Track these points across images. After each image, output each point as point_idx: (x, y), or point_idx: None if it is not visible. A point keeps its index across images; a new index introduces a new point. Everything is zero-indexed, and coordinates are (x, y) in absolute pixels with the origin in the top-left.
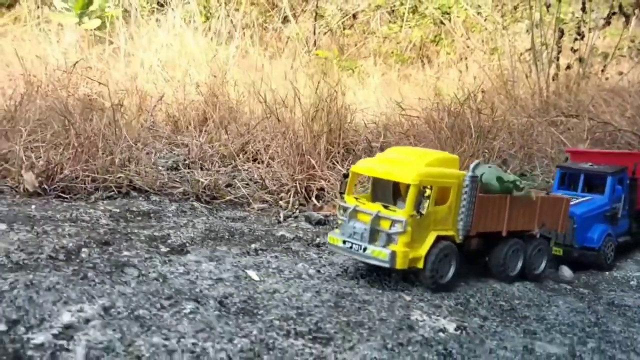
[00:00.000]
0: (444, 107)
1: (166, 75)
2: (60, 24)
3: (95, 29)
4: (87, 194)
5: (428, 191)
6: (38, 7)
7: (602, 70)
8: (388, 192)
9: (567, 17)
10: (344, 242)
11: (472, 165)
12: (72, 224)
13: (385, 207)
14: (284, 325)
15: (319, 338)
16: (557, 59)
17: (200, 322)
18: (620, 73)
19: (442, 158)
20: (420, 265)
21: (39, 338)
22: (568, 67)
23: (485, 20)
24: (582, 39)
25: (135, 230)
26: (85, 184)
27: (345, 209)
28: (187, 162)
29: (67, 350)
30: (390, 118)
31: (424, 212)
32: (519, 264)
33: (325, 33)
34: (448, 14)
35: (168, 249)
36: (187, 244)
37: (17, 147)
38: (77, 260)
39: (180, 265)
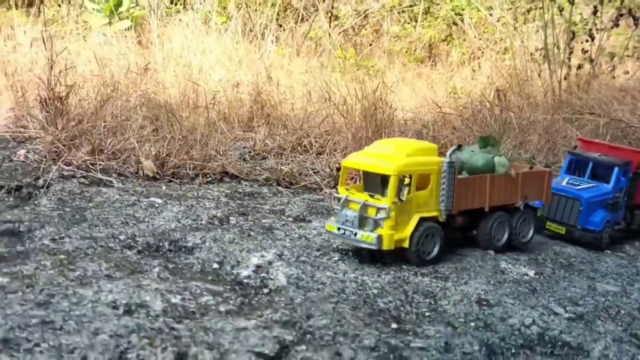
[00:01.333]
0: (471, 103)
1: (215, 75)
2: (85, 25)
3: (125, 30)
4: (191, 179)
5: (407, 179)
6: (68, 8)
7: (612, 70)
8: (377, 182)
9: (576, 18)
10: (339, 229)
11: (448, 152)
12: (207, 200)
13: (371, 196)
14: (413, 268)
15: (440, 277)
16: (569, 59)
17: (351, 264)
18: (627, 72)
19: (421, 147)
20: (406, 244)
21: (243, 272)
22: (579, 67)
23: (498, 21)
24: (592, 40)
25: (256, 206)
26: (187, 170)
27: (338, 199)
28: (252, 153)
29: (270, 278)
30: (425, 114)
31: (403, 198)
32: (505, 235)
33: (339, 33)
34: (460, 14)
35: (291, 218)
36: (304, 215)
37: (133, 140)
38: (232, 225)
39: (312, 229)
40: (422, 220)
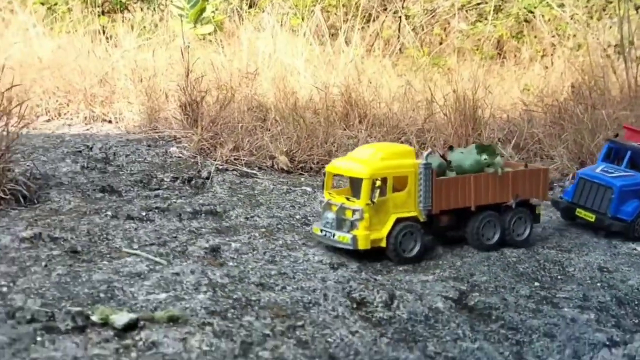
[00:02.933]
0: (556, 100)
1: (309, 77)
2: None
3: (208, 34)
4: (315, 172)
5: (378, 182)
6: (152, 14)
7: None
8: (360, 185)
9: None
10: (321, 230)
11: (424, 154)
12: None
13: (348, 199)
14: (541, 242)
15: (564, 250)
16: None
17: None
18: None
19: (398, 151)
20: (384, 244)
21: None
22: None
23: (571, 18)
24: None
25: None
26: (312, 164)
27: (321, 203)
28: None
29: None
30: (512, 111)
31: (375, 200)
32: (496, 234)
33: (408, 32)
34: (532, 12)
35: None
36: None
37: (266, 138)
38: None
39: None
40: (399, 220)
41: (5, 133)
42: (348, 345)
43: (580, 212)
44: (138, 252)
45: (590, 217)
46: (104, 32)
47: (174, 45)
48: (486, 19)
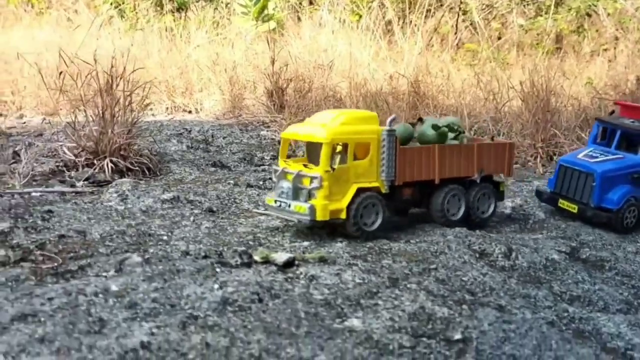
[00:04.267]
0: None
1: (377, 69)
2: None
3: (269, 31)
4: None
5: (339, 147)
6: (214, 12)
7: None
8: (318, 152)
9: None
10: (275, 201)
11: (388, 120)
12: None
13: (305, 165)
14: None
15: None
16: None
17: None
18: None
19: (359, 116)
20: (344, 215)
21: (507, 210)
22: None
23: (636, 10)
24: None
25: None
26: None
27: (276, 171)
28: None
29: (530, 213)
30: (581, 100)
31: (335, 167)
32: (461, 209)
33: (467, 27)
34: (595, 5)
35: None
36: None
37: None
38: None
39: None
40: (360, 190)
41: (130, 112)
42: (481, 283)
43: (563, 203)
44: (268, 212)
45: (573, 208)
46: (170, 30)
47: (237, 40)
48: (546, 13)
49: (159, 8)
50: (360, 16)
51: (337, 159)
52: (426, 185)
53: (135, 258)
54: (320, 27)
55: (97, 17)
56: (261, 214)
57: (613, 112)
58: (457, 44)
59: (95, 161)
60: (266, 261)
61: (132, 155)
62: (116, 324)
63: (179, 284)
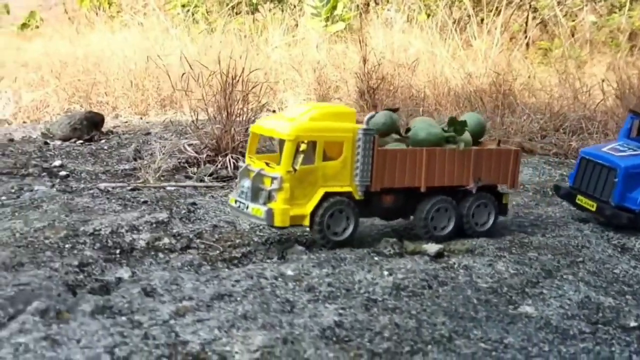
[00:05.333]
0: None
1: (456, 68)
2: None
3: (338, 32)
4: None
5: (303, 145)
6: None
7: None
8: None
9: None
10: (235, 201)
11: (366, 118)
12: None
13: (267, 164)
14: None
15: None
16: None
17: None
18: None
19: (333, 112)
20: (307, 222)
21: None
22: None
23: None
24: None
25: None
26: None
27: (239, 168)
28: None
29: None
30: None
31: (297, 167)
32: (450, 223)
33: (537, 25)
34: None
35: None
36: None
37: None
38: None
39: None
40: (328, 195)
41: (248, 111)
42: (634, 276)
43: (581, 200)
44: None
45: (591, 206)
46: (248, 31)
47: (311, 41)
48: (620, 9)
49: (230, 10)
50: (429, 15)
51: (300, 158)
52: (414, 193)
53: (298, 247)
54: (389, 27)
55: (170, 20)
56: None
57: (635, 111)
58: (526, 43)
59: (216, 158)
60: (417, 252)
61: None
62: (303, 305)
63: (347, 270)
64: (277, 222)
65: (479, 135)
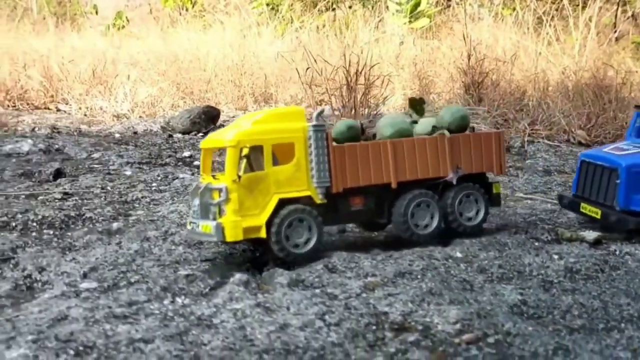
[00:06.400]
0: None
1: (551, 61)
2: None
3: (421, 28)
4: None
5: (245, 150)
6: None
7: None
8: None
9: None
10: (190, 223)
11: (314, 114)
12: None
13: (214, 176)
14: None
15: None
16: None
17: None
18: None
19: (279, 113)
20: (263, 234)
21: None
22: None
23: None
24: None
25: None
26: (604, 138)
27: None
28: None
29: None
30: None
31: (241, 174)
32: (434, 219)
33: (627, 18)
34: None
35: None
36: None
37: (558, 114)
38: None
39: None
40: (284, 202)
41: (370, 105)
42: None
43: (585, 208)
44: (532, 196)
45: (596, 213)
46: (323, 27)
47: (392, 38)
48: None
49: (311, 7)
50: (514, 9)
51: (243, 164)
52: (388, 191)
53: None
54: (475, 22)
55: (253, 18)
56: (526, 198)
57: None
58: (616, 37)
59: None
60: (574, 239)
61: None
62: (480, 284)
63: (514, 254)
64: (228, 236)
65: (461, 129)
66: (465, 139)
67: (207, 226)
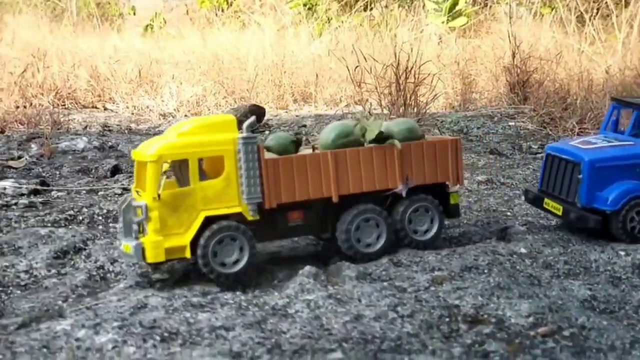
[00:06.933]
0: None
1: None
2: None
3: (460, 27)
4: None
5: (165, 165)
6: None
7: None
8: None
9: None
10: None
11: (245, 125)
12: None
13: (137, 192)
14: None
15: None
16: None
17: None
18: None
19: (208, 124)
20: (189, 254)
21: None
22: None
23: None
24: None
25: None
26: None
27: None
28: None
29: None
30: None
31: (160, 192)
32: (382, 236)
33: None
34: None
35: None
36: None
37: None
38: None
39: None
40: (211, 219)
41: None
42: None
43: (548, 204)
44: None
45: (558, 210)
46: (361, 26)
47: (427, 36)
48: None
49: (348, 8)
50: (553, 8)
51: (162, 180)
52: (331, 205)
53: (518, 227)
54: (513, 21)
55: (288, 18)
56: None
57: None
58: None
59: None
60: None
61: None
62: (547, 280)
63: (579, 250)
64: (149, 257)
65: (406, 139)
66: (417, 147)
67: (127, 246)
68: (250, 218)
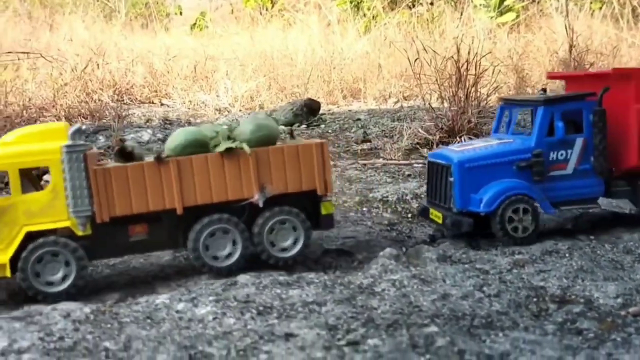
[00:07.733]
0: None
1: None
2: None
3: (509, 22)
4: None
5: None
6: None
7: None
8: (26, 182)
9: None
10: None
11: (70, 131)
12: None
13: None
14: None
15: None
16: None
17: None
18: None
19: (35, 132)
20: (9, 273)
21: None
22: None
23: None
24: None
25: None
26: None
27: None
28: None
29: None
30: None
31: None
32: (237, 249)
33: None
34: None
35: None
36: None
37: None
38: None
39: None
40: (33, 235)
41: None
42: None
43: (432, 213)
44: None
45: (439, 218)
46: (406, 23)
47: (475, 31)
48: None
49: (394, 4)
50: (603, 3)
51: None
52: (180, 216)
53: (594, 213)
54: (561, 15)
55: (334, 16)
56: None
57: (545, 89)
58: None
59: (449, 139)
60: None
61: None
62: (630, 264)
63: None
64: None
65: (263, 143)
66: (276, 152)
67: None
68: (79, 233)
